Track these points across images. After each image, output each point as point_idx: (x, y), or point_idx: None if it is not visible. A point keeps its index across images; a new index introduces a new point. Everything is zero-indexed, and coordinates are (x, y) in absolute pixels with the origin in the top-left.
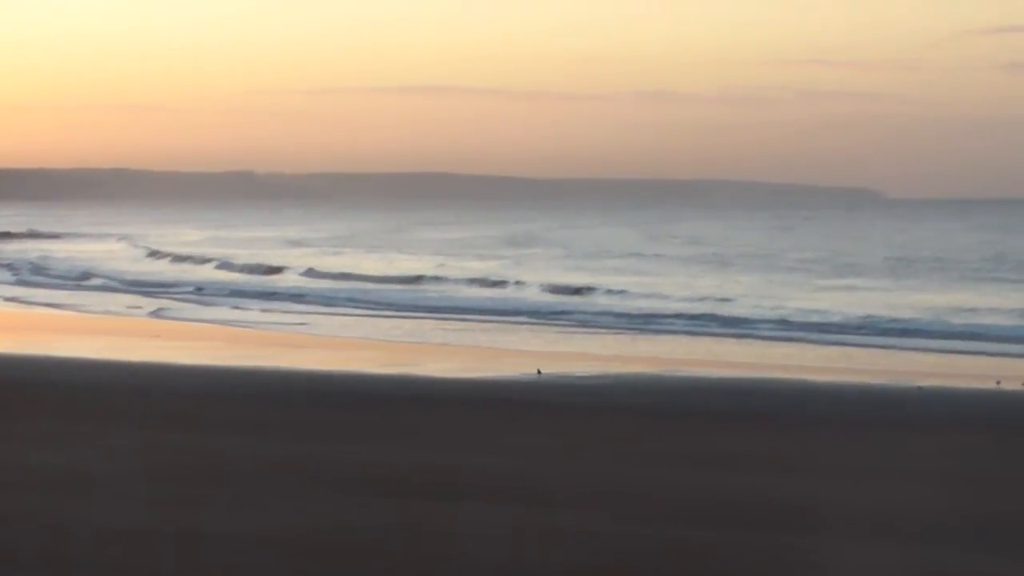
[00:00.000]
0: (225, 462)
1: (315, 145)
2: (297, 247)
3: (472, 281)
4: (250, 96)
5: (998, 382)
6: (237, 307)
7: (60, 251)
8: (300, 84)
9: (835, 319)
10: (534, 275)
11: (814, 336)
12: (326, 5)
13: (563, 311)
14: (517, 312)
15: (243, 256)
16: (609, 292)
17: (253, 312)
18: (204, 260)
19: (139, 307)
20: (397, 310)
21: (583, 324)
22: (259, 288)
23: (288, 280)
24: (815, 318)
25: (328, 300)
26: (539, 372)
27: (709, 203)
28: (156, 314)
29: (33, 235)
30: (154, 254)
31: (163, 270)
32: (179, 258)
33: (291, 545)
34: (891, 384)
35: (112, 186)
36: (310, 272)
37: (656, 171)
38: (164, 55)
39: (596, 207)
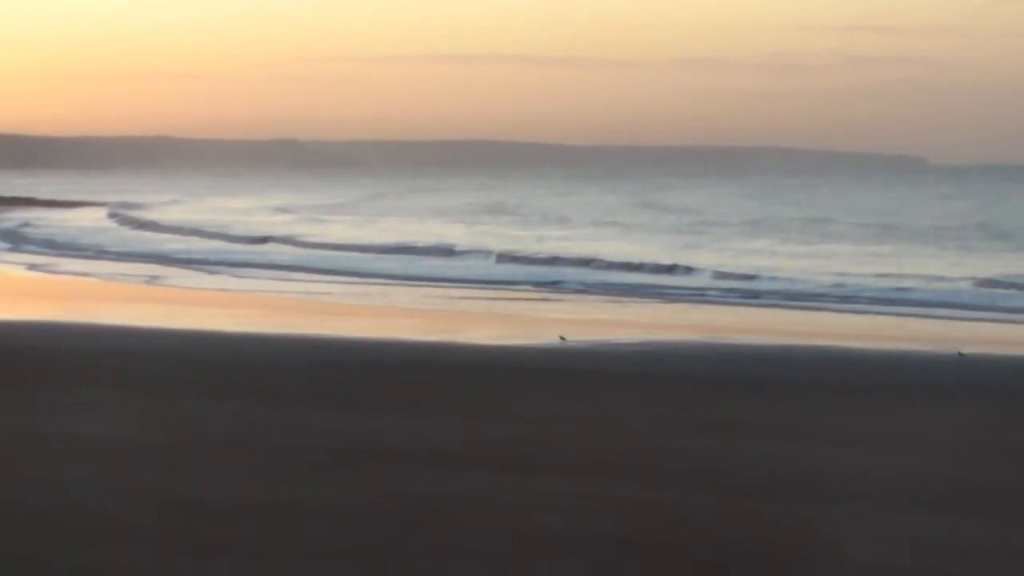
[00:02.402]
0: (263, 432)
1: (358, 113)
2: (281, 214)
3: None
4: (293, 64)
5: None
6: (213, 273)
7: (49, 220)
8: (343, 52)
9: (872, 286)
10: (502, 243)
11: (846, 306)
12: None
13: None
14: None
15: (220, 224)
16: (554, 260)
17: (247, 280)
18: (192, 230)
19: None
20: (375, 277)
21: (583, 292)
22: (243, 258)
23: (277, 249)
24: (848, 286)
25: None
26: (562, 339)
27: (752, 170)
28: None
29: (32, 203)
30: (144, 224)
31: (149, 238)
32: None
33: (338, 515)
34: (932, 351)
35: (155, 154)
36: (291, 240)
37: (697, 138)
38: (208, 24)
39: (631, 174)
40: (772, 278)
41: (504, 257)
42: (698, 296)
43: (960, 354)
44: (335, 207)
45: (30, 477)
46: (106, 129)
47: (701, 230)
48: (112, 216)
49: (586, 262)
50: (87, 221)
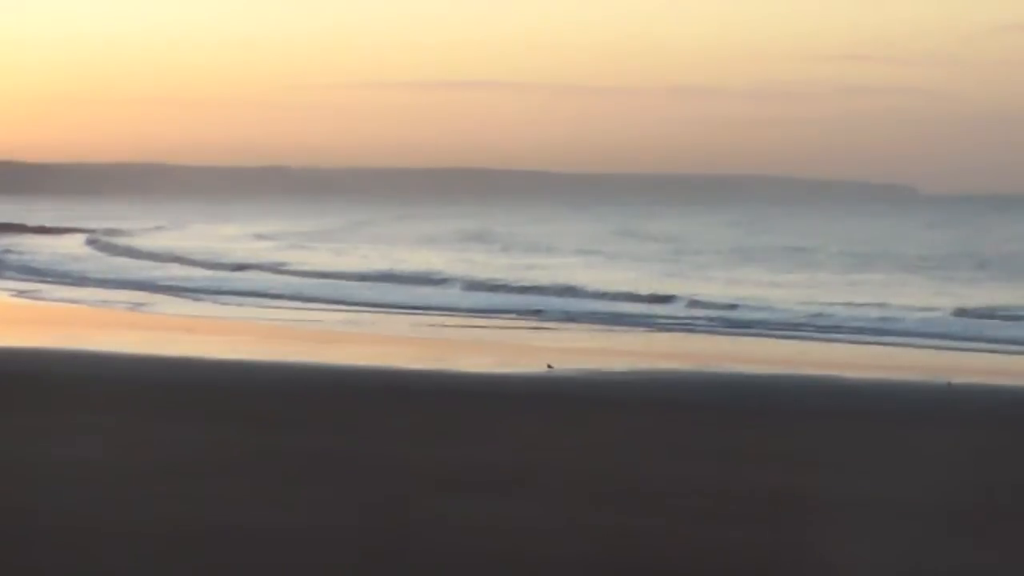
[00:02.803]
0: (247, 456)
1: (351, 140)
2: (263, 241)
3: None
4: (285, 91)
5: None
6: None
7: (30, 246)
8: (336, 79)
9: (865, 315)
10: (485, 272)
11: (838, 335)
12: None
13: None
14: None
15: (201, 251)
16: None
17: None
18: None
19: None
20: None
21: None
22: (221, 285)
23: (257, 277)
24: (839, 314)
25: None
26: (549, 367)
27: (742, 198)
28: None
29: (15, 229)
30: (122, 251)
31: (125, 266)
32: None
33: (325, 540)
34: (921, 380)
35: (148, 181)
36: (278, 268)
37: (689, 166)
38: (200, 50)
39: (621, 202)
40: (754, 307)
41: (486, 286)
42: (682, 325)
43: (949, 384)
44: (319, 234)
45: (10, 502)
46: (99, 155)
47: (683, 259)
48: (91, 243)
49: (568, 291)
50: (67, 248)
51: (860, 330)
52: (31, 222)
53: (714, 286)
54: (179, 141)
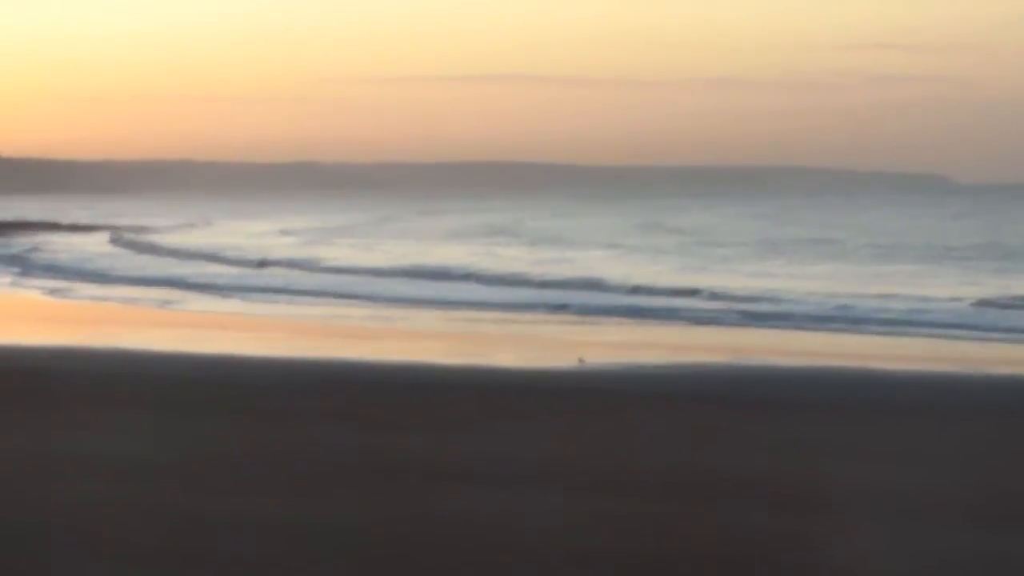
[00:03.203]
0: (275, 451)
1: (381, 134)
2: (288, 237)
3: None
4: (317, 85)
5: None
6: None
7: (57, 244)
8: (367, 73)
9: (896, 306)
10: (510, 266)
11: (864, 327)
12: None
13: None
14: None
15: (225, 248)
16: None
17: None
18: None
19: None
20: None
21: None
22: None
23: (281, 272)
24: (870, 305)
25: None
26: (581, 361)
27: (772, 190)
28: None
29: (41, 227)
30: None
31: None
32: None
33: (357, 535)
34: (955, 371)
35: (178, 178)
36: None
37: (718, 158)
38: (230, 45)
39: (648, 195)
40: (777, 299)
41: (512, 280)
42: (709, 318)
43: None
44: (344, 230)
45: (43, 495)
46: (128, 153)
47: (709, 251)
48: (116, 240)
49: (594, 285)
50: (92, 245)
51: (885, 321)
52: (59, 220)
53: (739, 279)
54: (209, 138)
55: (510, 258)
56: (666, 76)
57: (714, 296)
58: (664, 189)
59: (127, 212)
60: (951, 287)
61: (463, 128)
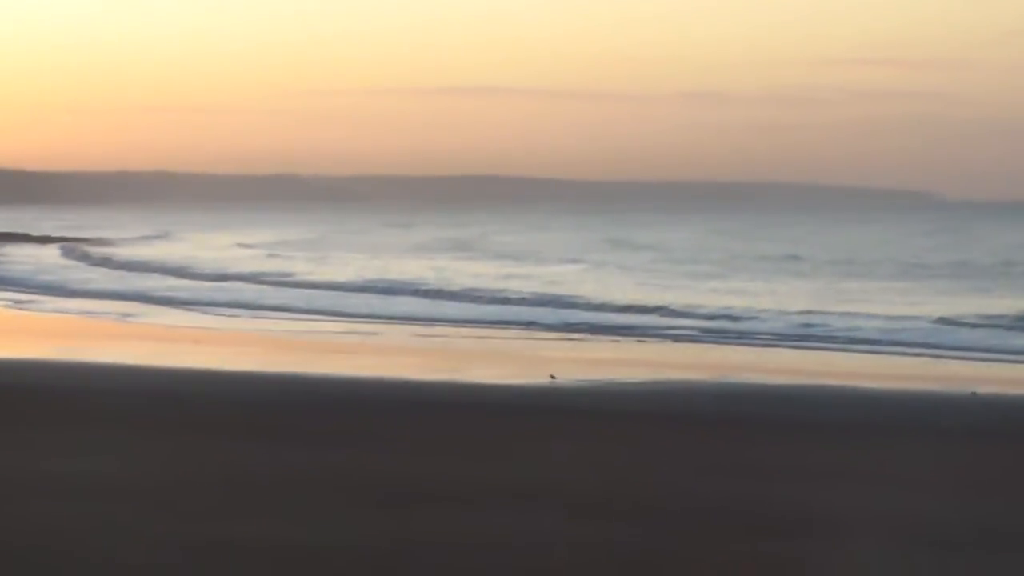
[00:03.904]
0: (250, 470)
1: (363, 147)
2: (248, 250)
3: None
4: (295, 97)
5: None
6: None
7: (11, 255)
8: (348, 85)
9: (877, 326)
10: (474, 281)
11: (830, 344)
12: (371, 4)
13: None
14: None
15: (181, 261)
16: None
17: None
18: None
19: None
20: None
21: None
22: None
23: (237, 287)
24: (850, 324)
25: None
26: (552, 378)
27: (753, 205)
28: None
29: (16, 238)
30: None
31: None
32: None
33: (330, 556)
34: (943, 390)
35: (153, 190)
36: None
37: (703, 173)
38: (207, 56)
39: (628, 209)
40: (743, 316)
41: (478, 296)
42: (674, 335)
43: (973, 393)
44: (306, 243)
45: (6, 513)
46: (102, 164)
47: (677, 267)
48: (68, 253)
49: (559, 301)
50: (44, 258)
51: (852, 339)
52: (19, 231)
53: (705, 295)
54: (184, 149)
55: (471, 273)
56: (645, 90)
57: (678, 313)
58: (639, 204)
59: (93, 224)
60: (915, 305)
61: (442, 141)
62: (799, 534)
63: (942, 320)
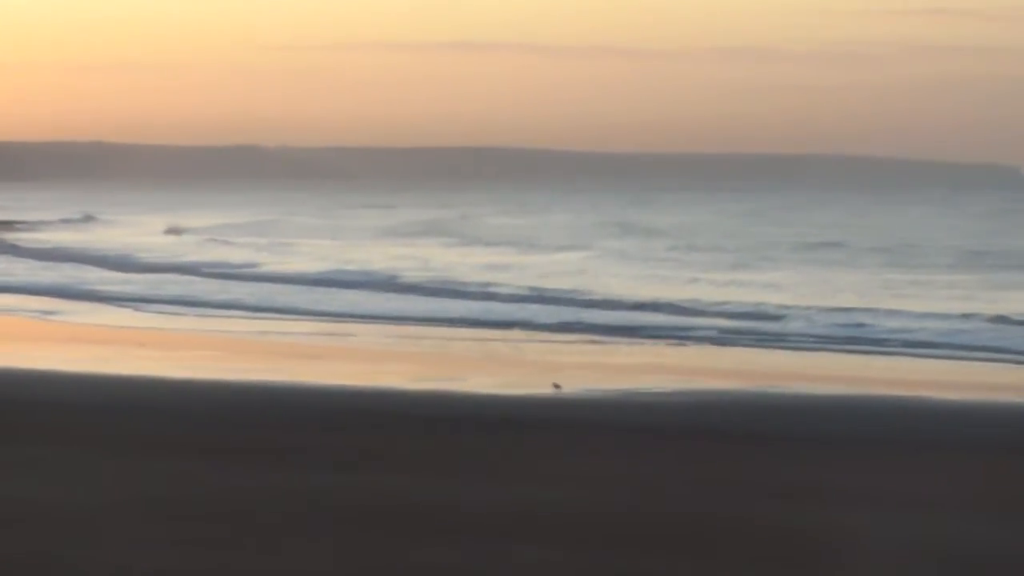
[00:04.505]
0: (225, 494)
1: (339, 114)
2: (186, 236)
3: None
4: (261, 53)
5: None
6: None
7: None
8: (321, 39)
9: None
10: (460, 274)
11: (875, 348)
12: None
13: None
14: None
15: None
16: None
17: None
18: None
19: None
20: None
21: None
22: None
23: (165, 279)
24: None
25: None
26: (556, 387)
27: (803, 183)
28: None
29: None
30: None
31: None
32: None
33: None
34: (1001, 401)
35: (90, 164)
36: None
37: (738, 144)
38: (156, 6)
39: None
40: (771, 315)
41: (460, 291)
42: (691, 336)
43: None
44: (254, 227)
45: None
46: (29, 133)
47: (690, 257)
48: None
49: (555, 297)
50: None
51: (893, 342)
52: None
53: (732, 289)
54: (128, 116)
55: (455, 263)
56: (670, 45)
57: (697, 311)
58: (661, 180)
59: (12, 203)
60: (971, 301)
61: (433, 107)
62: (830, 567)
63: (1000, 319)
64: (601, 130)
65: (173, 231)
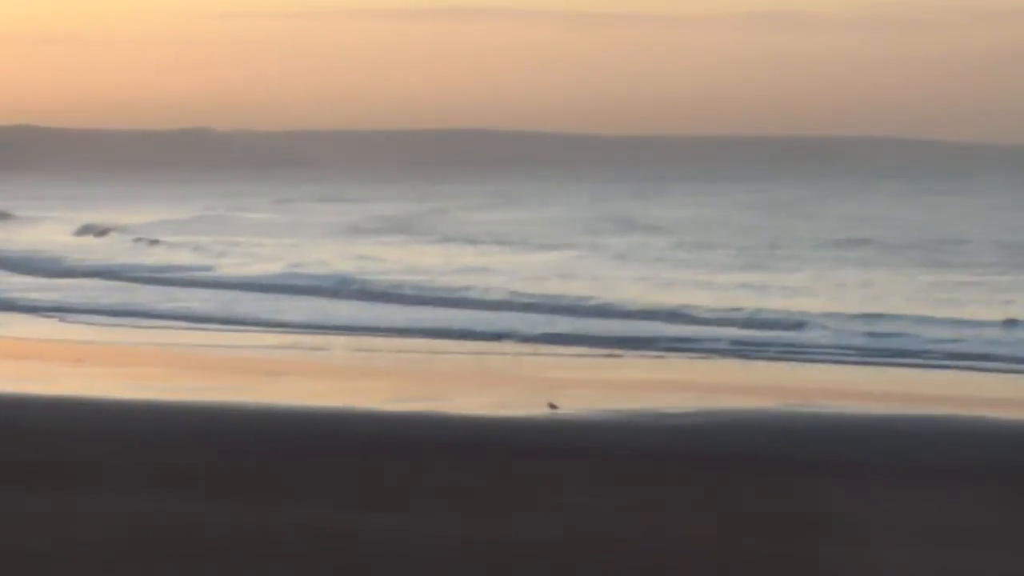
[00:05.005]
0: (184, 534)
1: (300, 93)
2: (112, 235)
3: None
4: (216, 22)
5: None
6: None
7: None
8: (279, 5)
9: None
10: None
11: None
12: None
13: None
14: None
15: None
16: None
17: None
18: None
19: None
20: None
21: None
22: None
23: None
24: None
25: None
26: (552, 407)
27: (841, 169)
28: None
29: None
30: None
31: None
32: None
33: None
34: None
35: (15, 151)
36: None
37: (768, 126)
38: None
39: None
40: (778, 324)
41: (427, 297)
42: (701, 348)
43: None
44: (192, 224)
45: None
46: None
47: (696, 256)
48: None
49: (540, 305)
50: None
51: (926, 353)
52: None
53: (743, 294)
54: (58, 96)
55: (422, 264)
56: (704, 10)
57: (703, 319)
58: (676, 167)
59: None
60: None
61: (414, 84)
62: None
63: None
64: (606, 111)
65: (92, 230)
